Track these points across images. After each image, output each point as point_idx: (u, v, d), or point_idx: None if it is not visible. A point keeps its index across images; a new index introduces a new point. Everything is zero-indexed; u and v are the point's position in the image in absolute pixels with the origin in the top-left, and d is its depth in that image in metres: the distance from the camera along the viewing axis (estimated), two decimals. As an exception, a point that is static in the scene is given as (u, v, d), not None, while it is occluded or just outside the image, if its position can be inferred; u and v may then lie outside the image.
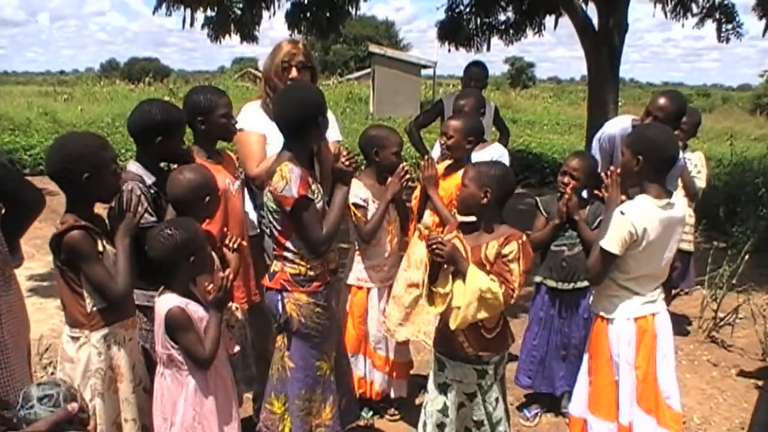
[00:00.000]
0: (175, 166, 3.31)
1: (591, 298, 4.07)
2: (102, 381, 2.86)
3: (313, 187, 3.13)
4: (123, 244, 2.90)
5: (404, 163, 3.96)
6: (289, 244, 3.17)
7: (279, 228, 3.17)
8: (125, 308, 2.96)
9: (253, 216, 3.87)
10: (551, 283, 4.19)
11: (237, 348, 3.24)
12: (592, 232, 3.98)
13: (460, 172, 3.96)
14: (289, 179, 3.03)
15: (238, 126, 3.67)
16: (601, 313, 3.39)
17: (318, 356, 3.26)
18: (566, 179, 4.10)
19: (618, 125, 4.69)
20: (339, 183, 3.26)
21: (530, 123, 24.49)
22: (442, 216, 3.96)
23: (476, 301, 3.02)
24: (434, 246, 3.06)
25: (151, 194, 3.17)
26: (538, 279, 4.26)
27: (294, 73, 3.74)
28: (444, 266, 3.14)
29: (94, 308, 2.85)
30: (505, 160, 4.39)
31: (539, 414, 4.43)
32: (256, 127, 3.78)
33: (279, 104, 3.25)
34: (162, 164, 3.36)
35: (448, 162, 4.21)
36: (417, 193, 4.20)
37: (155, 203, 3.18)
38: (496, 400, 3.34)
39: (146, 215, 3.10)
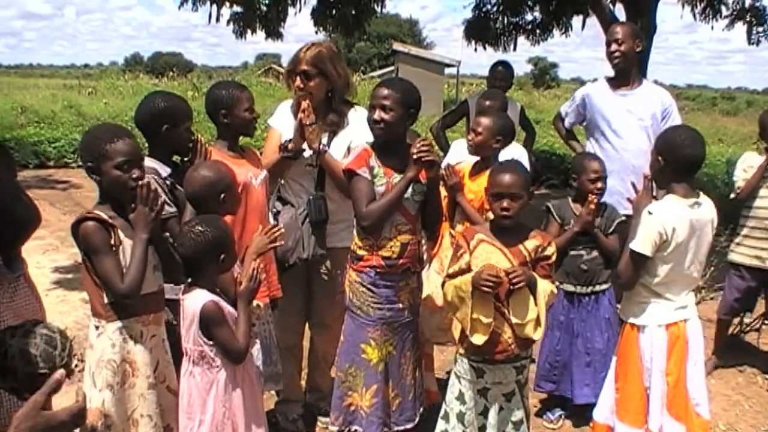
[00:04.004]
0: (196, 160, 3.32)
1: (606, 299, 4.14)
2: (113, 373, 2.84)
3: (377, 170, 3.31)
4: (139, 240, 2.83)
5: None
6: (355, 220, 3.43)
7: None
8: (142, 304, 2.90)
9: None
10: (569, 288, 4.15)
11: (257, 344, 3.22)
12: (608, 240, 4.05)
13: (488, 172, 3.92)
14: (351, 155, 3.37)
15: (269, 121, 3.79)
16: (632, 320, 3.34)
17: (363, 339, 3.38)
18: (600, 184, 4.09)
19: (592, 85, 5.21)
20: (406, 170, 3.29)
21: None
22: (473, 220, 3.85)
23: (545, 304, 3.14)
24: (517, 280, 3.03)
25: (168, 186, 3.19)
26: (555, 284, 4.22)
27: (297, 81, 3.72)
28: (486, 298, 3.10)
29: (109, 300, 2.84)
30: (524, 160, 4.32)
31: (563, 416, 4.38)
32: (279, 125, 3.88)
33: None
34: (175, 158, 3.39)
35: (474, 160, 4.10)
36: (445, 192, 4.11)
37: (172, 195, 3.20)
38: (527, 392, 3.41)
39: (165, 207, 3.08)
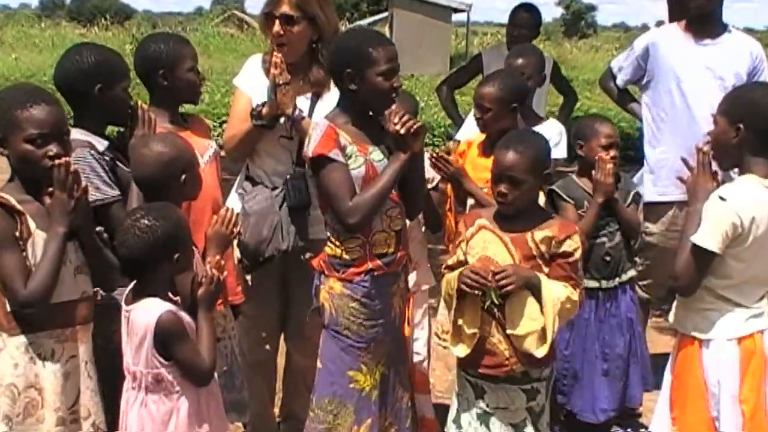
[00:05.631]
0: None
1: (629, 295, 4.23)
2: (12, 402, 2.78)
3: (349, 149, 3.22)
4: (54, 234, 2.78)
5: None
6: (327, 218, 3.35)
7: (319, 199, 3.41)
8: (56, 315, 2.85)
9: (234, 200, 3.87)
10: (593, 284, 4.12)
11: (224, 368, 3.23)
12: (629, 210, 4.14)
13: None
14: (311, 136, 3.22)
15: (234, 81, 3.83)
16: (693, 333, 3.29)
17: (352, 365, 3.34)
18: (613, 152, 4.09)
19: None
20: (395, 151, 3.22)
21: (589, 83, 24.03)
22: (482, 203, 3.84)
23: (557, 315, 3.08)
24: (505, 282, 3.03)
25: (107, 162, 3.15)
26: None
27: (276, 27, 3.70)
28: (472, 301, 3.12)
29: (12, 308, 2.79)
30: (564, 143, 4.33)
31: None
32: (247, 86, 3.88)
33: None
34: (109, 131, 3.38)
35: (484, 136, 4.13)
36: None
37: (113, 174, 3.16)
38: (548, 424, 3.38)
39: (107, 189, 3.08)
